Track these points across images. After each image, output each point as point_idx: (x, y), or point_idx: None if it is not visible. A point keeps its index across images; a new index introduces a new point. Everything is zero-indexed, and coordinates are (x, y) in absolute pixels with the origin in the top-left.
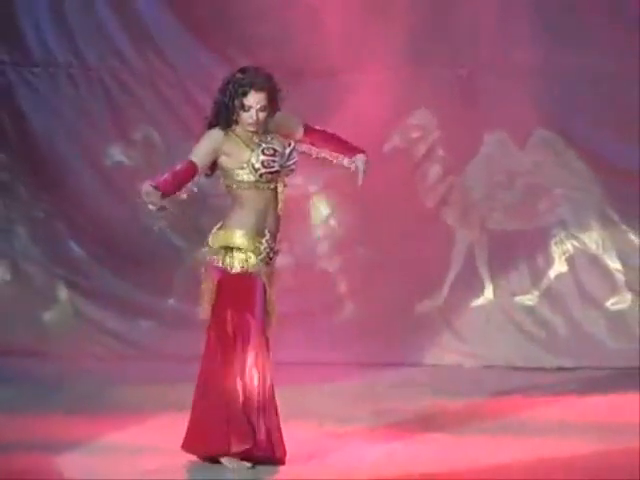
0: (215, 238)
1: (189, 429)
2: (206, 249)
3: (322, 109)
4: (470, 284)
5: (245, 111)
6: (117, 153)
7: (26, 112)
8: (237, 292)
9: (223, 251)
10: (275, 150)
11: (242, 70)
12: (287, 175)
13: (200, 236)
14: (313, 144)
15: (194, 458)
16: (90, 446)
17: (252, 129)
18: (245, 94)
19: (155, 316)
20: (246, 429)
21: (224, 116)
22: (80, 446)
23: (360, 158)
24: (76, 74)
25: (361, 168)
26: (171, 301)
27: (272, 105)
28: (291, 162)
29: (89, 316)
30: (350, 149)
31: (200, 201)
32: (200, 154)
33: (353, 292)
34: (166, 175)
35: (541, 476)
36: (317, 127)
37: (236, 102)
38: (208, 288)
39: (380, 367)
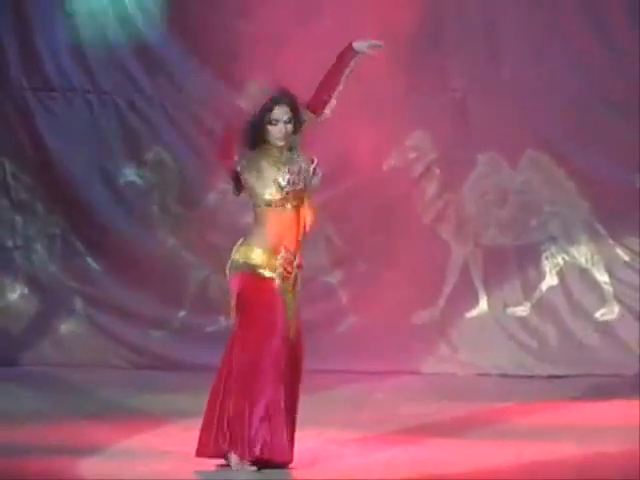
0: (237, 253)
1: (200, 434)
2: (229, 263)
3: (326, 131)
4: (465, 296)
5: (273, 125)
6: (130, 173)
7: (44, 134)
8: (257, 306)
9: (244, 266)
10: (300, 168)
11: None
12: (313, 192)
13: (209, 251)
14: (325, 100)
15: (205, 463)
16: (107, 451)
17: (281, 143)
18: (271, 109)
19: (166, 327)
20: (244, 435)
21: (252, 135)
22: (97, 451)
23: (357, 46)
24: (91, 98)
25: (366, 46)
26: (182, 313)
27: (296, 118)
28: (316, 179)
29: (103, 327)
30: (343, 58)
31: (210, 218)
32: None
33: (354, 303)
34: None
35: (534, 478)
36: (313, 95)
37: (264, 119)
38: (230, 300)
39: (379, 375)
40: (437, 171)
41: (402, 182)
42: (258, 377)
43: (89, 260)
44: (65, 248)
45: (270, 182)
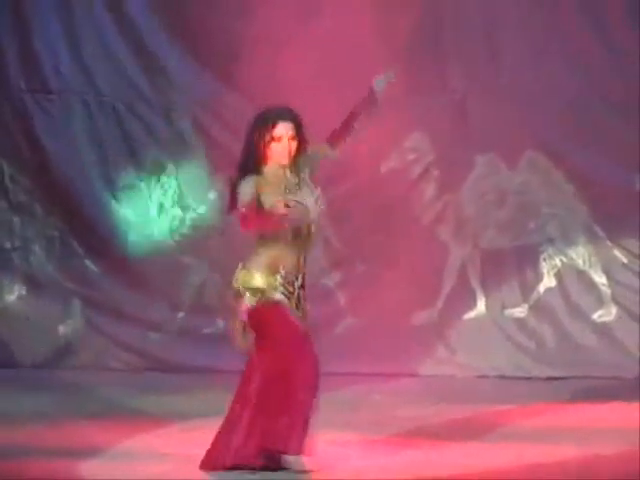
0: (237, 280)
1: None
2: (232, 291)
3: (323, 132)
4: (463, 298)
5: (276, 142)
6: (128, 175)
7: (42, 136)
8: (270, 323)
9: (246, 292)
10: (301, 203)
11: (266, 108)
12: (312, 222)
13: (206, 254)
14: (343, 138)
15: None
16: (106, 452)
17: (285, 161)
18: (274, 125)
19: (164, 329)
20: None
21: (255, 155)
22: (96, 452)
23: (377, 87)
24: (90, 100)
25: (384, 83)
26: (180, 315)
27: (300, 137)
28: (315, 213)
29: (101, 329)
30: (365, 102)
31: (207, 220)
32: (250, 197)
33: (352, 305)
34: (272, 223)
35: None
36: (333, 131)
37: (266, 136)
38: (239, 325)
39: (377, 377)
40: (436, 172)
41: (401, 183)
42: (289, 394)
43: (87, 262)
44: (63, 250)
45: (270, 209)
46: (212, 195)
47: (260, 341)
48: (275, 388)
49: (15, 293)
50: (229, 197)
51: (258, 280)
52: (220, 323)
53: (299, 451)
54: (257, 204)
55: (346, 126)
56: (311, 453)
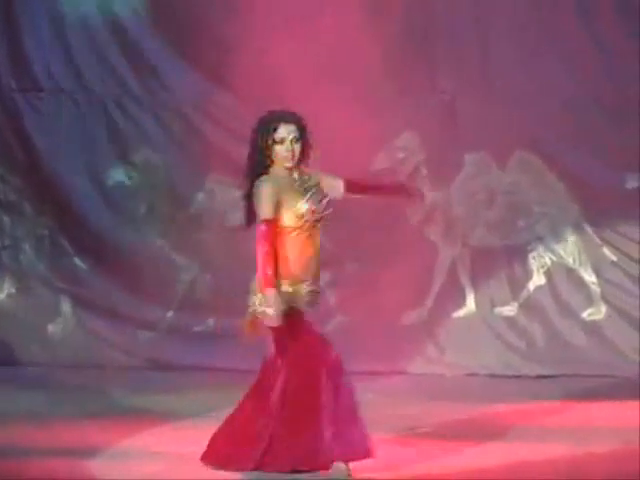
0: (253, 288)
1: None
2: (250, 308)
3: (317, 132)
4: (453, 296)
5: (279, 144)
6: (118, 174)
7: (32, 135)
8: (292, 332)
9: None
10: (319, 200)
11: (269, 111)
12: (322, 224)
13: (197, 252)
14: (357, 192)
15: (198, 464)
16: (101, 452)
17: (288, 164)
18: (276, 128)
19: (154, 327)
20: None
21: (260, 158)
22: (91, 452)
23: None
24: (80, 99)
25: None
26: (170, 313)
27: (304, 140)
28: (326, 213)
29: (91, 328)
30: (397, 187)
31: (198, 218)
32: (269, 210)
33: (342, 304)
34: (265, 272)
35: (523, 478)
36: (356, 180)
37: (269, 140)
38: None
39: (367, 376)
40: (425, 172)
41: None
42: (316, 397)
43: (77, 261)
44: (53, 248)
45: (289, 209)
46: (200, 196)
47: (279, 347)
48: (300, 395)
49: (5, 292)
50: (246, 210)
51: (283, 289)
52: (210, 321)
53: (334, 460)
54: (278, 213)
55: (372, 190)
56: (369, 455)
